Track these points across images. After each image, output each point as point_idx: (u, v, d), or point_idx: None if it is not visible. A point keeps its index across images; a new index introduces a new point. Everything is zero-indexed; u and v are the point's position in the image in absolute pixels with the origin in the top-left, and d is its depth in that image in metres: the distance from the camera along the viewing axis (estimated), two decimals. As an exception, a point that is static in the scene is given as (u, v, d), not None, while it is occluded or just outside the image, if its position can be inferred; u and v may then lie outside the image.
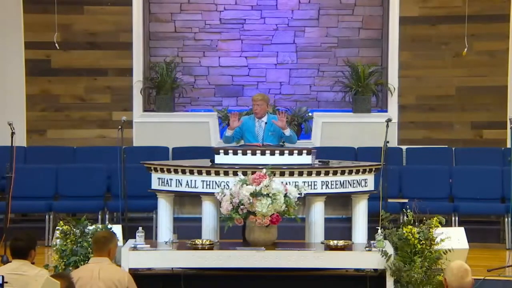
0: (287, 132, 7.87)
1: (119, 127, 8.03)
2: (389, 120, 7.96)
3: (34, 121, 10.34)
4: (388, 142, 7.69)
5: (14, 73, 10.26)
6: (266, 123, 7.87)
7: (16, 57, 10.26)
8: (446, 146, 10.22)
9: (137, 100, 10.41)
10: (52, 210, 8.97)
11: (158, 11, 10.71)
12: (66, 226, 6.78)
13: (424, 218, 6.89)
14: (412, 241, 6.68)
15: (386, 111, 10.39)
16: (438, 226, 6.82)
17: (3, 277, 4.75)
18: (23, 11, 10.27)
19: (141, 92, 10.41)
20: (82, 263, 6.44)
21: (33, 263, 5.44)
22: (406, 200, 8.81)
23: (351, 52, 10.71)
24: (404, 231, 6.74)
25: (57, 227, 6.90)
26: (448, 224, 8.18)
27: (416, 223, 6.85)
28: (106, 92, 10.46)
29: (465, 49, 9.97)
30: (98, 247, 5.68)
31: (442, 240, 6.75)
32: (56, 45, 10.07)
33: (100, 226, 6.97)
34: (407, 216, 6.91)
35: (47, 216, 8.93)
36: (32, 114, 10.36)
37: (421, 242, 6.69)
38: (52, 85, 10.41)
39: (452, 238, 6.86)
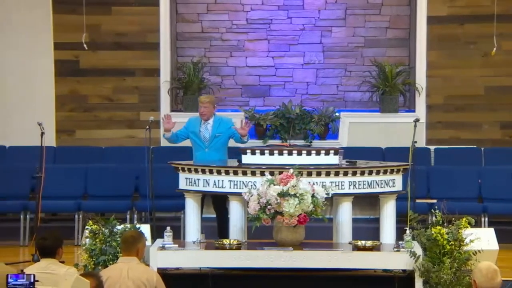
0: (246, 139, 8.00)
1: (147, 127, 8.07)
2: (417, 120, 7.92)
3: (63, 121, 10.44)
4: (416, 142, 7.65)
5: (43, 73, 10.36)
6: (212, 125, 7.95)
7: (46, 57, 10.35)
8: (475, 146, 10.15)
9: (165, 100, 10.47)
10: (81, 210, 9.05)
11: (185, 12, 10.75)
12: (95, 226, 6.83)
13: (453, 219, 6.85)
14: (441, 241, 6.64)
15: (414, 111, 10.34)
16: (467, 227, 6.77)
17: (34, 275, 4.81)
18: (52, 12, 10.36)
19: (168, 92, 10.46)
20: (111, 262, 6.49)
21: (62, 262, 5.50)
22: (434, 201, 8.76)
23: (378, 52, 10.67)
24: (433, 232, 6.70)
25: (86, 227, 6.96)
26: (477, 225, 8.13)
27: (445, 224, 6.81)
28: (133, 93, 10.52)
29: (494, 49, 9.88)
30: (126, 246, 5.71)
31: (471, 241, 6.70)
32: (85, 45, 10.14)
33: (128, 225, 7.01)
34: (436, 217, 6.87)
35: (76, 216, 9.01)
36: (61, 115, 10.45)
37: (450, 243, 6.65)
38: (80, 85, 10.49)
39: (481, 239, 6.81)
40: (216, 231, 7.87)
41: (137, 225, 7.06)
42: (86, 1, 10.13)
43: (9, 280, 4.73)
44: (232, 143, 9.57)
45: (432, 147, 10.16)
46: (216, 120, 8.10)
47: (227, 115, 10.44)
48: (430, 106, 10.39)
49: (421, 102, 10.38)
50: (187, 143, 10.16)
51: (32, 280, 4.75)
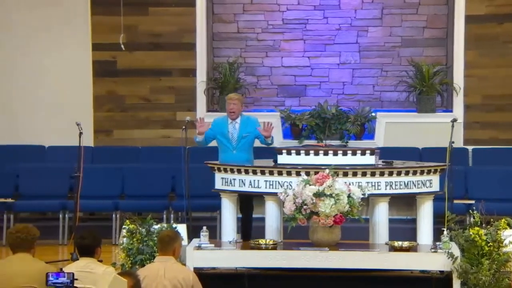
0: (270, 140, 7.96)
1: (183, 127, 8.11)
2: (454, 120, 7.86)
3: (100, 122, 10.54)
4: (453, 142, 7.59)
5: (82, 74, 10.47)
6: (239, 124, 7.93)
7: (84, 58, 10.47)
8: (514, 146, 10.03)
9: (201, 100, 10.51)
10: (119, 209, 9.13)
11: (221, 12, 10.79)
12: (132, 225, 6.88)
13: (491, 220, 6.78)
14: (479, 242, 6.57)
15: (451, 111, 10.25)
16: (506, 228, 6.69)
17: (73, 274, 4.87)
18: (90, 13, 10.47)
19: (204, 92, 10.50)
20: (148, 261, 6.53)
21: (100, 261, 5.56)
22: (472, 201, 8.68)
23: (415, 51, 10.60)
24: (471, 233, 6.64)
25: (123, 226, 7.01)
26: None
27: (483, 225, 6.74)
28: (170, 93, 10.59)
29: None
30: (163, 246, 5.75)
31: (510, 242, 6.62)
32: (122, 46, 10.23)
33: (165, 225, 7.06)
34: (474, 218, 6.81)
35: (113, 215, 9.09)
36: (99, 115, 10.55)
37: (488, 244, 6.59)
38: (117, 85, 10.59)
39: (521, 240, 6.73)
40: (255, 231, 7.86)
41: (174, 225, 7.10)
42: (124, 2, 10.21)
43: (50, 278, 4.80)
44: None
45: (470, 147, 10.06)
46: (244, 120, 8.07)
47: (263, 115, 10.50)
48: (468, 106, 10.29)
49: (458, 102, 10.28)
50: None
51: (72, 279, 4.82)
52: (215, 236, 8.27)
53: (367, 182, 6.89)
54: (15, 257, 5.27)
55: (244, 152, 8.00)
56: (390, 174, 7.02)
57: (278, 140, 10.12)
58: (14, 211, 9.11)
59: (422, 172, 7.14)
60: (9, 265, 5.23)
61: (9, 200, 9.03)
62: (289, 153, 7.23)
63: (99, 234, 5.52)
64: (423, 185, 7.15)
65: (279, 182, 7.01)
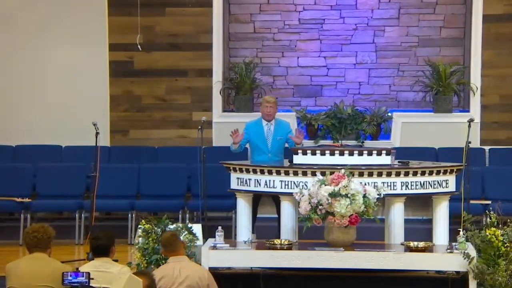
0: (300, 146, 7.96)
1: (199, 127, 8.13)
2: (471, 120, 7.82)
3: (117, 122, 10.58)
4: (470, 142, 7.55)
5: (98, 74, 10.52)
6: (274, 127, 7.94)
7: (101, 58, 10.51)
8: (531, 147, 9.96)
9: (217, 101, 10.53)
10: (135, 209, 9.15)
11: (238, 12, 10.80)
12: (148, 225, 6.90)
13: (508, 220, 6.73)
14: (495, 243, 6.54)
15: (468, 111, 10.19)
16: (522, 229, 6.65)
17: (89, 273, 4.90)
18: (107, 14, 10.52)
19: (220, 93, 10.52)
20: (163, 261, 6.53)
21: (116, 260, 5.58)
22: (489, 202, 8.63)
23: (432, 51, 10.55)
24: (487, 233, 6.60)
25: (139, 226, 7.03)
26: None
27: (500, 225, 6.70)
28: (186, 93, 10.61)
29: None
30: (171, 247, 5.79)
31: (527, 243, 6.58)
32: (139, 46, 10.27)
33: (180, 225, 7.07)
34: (490, 218, 6.77)
35: (129, 215, 9.12)
36: (115, 115, 10.60)
37: (505, 245, 6.54)
38: (134, 86, 10.63)
39: (538, 241, 6.67)
40: (270, 230, 7.85)
41: (189, 225, 7.11)
42: (141, 2, 10.25)
43: (68, 277, 4.83)
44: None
45: (487, 148, 10.00)
46: (277, 123, 8.13)
47: (279, 115, 10.50)
48: (485, 106, 10.23)
49: (475, 102, 10.22)
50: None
51: (88, 278, 4.85)
52: (230, 236, 8.28)
53: (383, 182, 6.87)
54: (31, 256, 5.31)
55: (278, 155, 8.08)
56: (406, 174, 7.00)
57: (294, 140, 10.12)
58: (31, 211, 9.17)
59: (438, 172, 7.11)
60: (26, 265, 5.27)
61: (26, 199, 9.09)
62: (304, 153, 7.22)
63: (113, 233, 5.54)
64: (439, 185, 7.12)
65: (294, 182, 7.01)
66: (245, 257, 6.81)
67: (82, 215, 9.04)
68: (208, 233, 7.33)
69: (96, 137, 8.16)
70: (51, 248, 5.39)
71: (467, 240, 6.66)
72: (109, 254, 5.42)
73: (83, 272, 4.89)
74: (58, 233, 5.54)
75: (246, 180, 7.25)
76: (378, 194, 6.69)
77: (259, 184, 7.18)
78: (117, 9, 10.50)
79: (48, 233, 5.35)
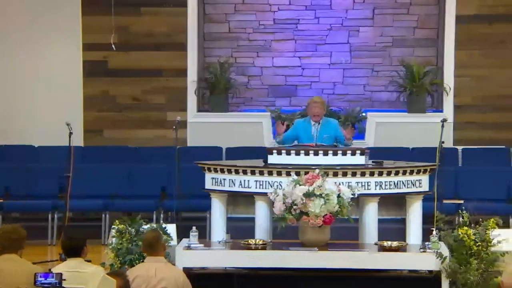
0: (350, 142, 7.91)
1: (174, 127, 8.11)
2: (444, 120, 7.86)
3: (91, 122, 10.53)
4: (443, 142, 7.60)
5: (72, 74, 10.46)
6: (320, 127, 7.87)
7: (75, 58, 10.45)
8: (503, 147, 10.05)
9: (192, 101, 10.51)
10: (109, 210, 9.11)
11: (212, 12, 10.79)
12: (122, 225, 6.88)
13: (480, 220, 6.79)
14: (467, 242, 6.59)
15: (442, 111, 10.27)
16: (494, 228, 6.71)
17: (61, 274, 4.86)
18: (81, 13, 10.46)
19: (195, 93, 10.50)
20: (137, 261, 6.52)
21: (89, 261, 5.54)
22: (461, 201, 8.69)
23: (406, 51, 10.62)
24: (460, 233, 6.65)
25: (112, 226, 7.00)
26: (506, 226, 8.04)
27: (472, 225, 6.76)
28: (161, 93, 10.58)
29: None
30: (151, 247, 5.75)
31: (499, 242, 6.64)
32: (113, 46, 10.22)
33: (154, 225, 7.05)
34: (463, 218, 6.82)
35: (103, 215, 9.07)
36: (90, 114, 10.54)
37: (477, 244, 6.60)
38: (109, 85, 10.57)
39: (509, 240, 6.74)
40: (244, 230, 7.83)
41: (163, 225, 7.09)
42: (115, 2, 10.20)
43: (39, 278, 4.79)
44: (259, 143, 9.53)
45: (459, 147, 10.08)
46: (324, 122, 7.85)
47: (254, 116, 10.52)
48: (458, 106, 10.31)
49: (449, 102, 10.31)
50: (212, 143, 10.22)
51: (60, 279, 4.81)
52: (204, 236, 8.26)
53: (357, 182, 6.89)
54: (2, 258, 5.25)
55: None
56: (380, 174, 7.03)
57: (268, 140, 10.14)
58: (4, 211, 9.09)
59: (411, 172, 7.15)
60: (-4, 266, 5.22)
61: (-1, 200, 9.02)
62: (279, 153, 7.23)
63: (83, 233, 5.49)
64: (413, 185, 7.16)
65: (269, 182, 7.00)
66: (219, 257, 6.80)
67: (56, 215, 8.98)
68: (183, 233, 7.32)
69: (70, 137, 8.12)
70: (23, 249, 5.34)
71: (440, 240, 6.71)
72: (81, 254, 5.38)
73: (54, 273, 4.86)
74: (32, 234, 5.50)
75: (220, 180, 7.24)
76: (352, 194, 6.71)
77: (234, 184, 7.17)
78: (91, 8, 10.45)
79: (20, 234, 5.30)
